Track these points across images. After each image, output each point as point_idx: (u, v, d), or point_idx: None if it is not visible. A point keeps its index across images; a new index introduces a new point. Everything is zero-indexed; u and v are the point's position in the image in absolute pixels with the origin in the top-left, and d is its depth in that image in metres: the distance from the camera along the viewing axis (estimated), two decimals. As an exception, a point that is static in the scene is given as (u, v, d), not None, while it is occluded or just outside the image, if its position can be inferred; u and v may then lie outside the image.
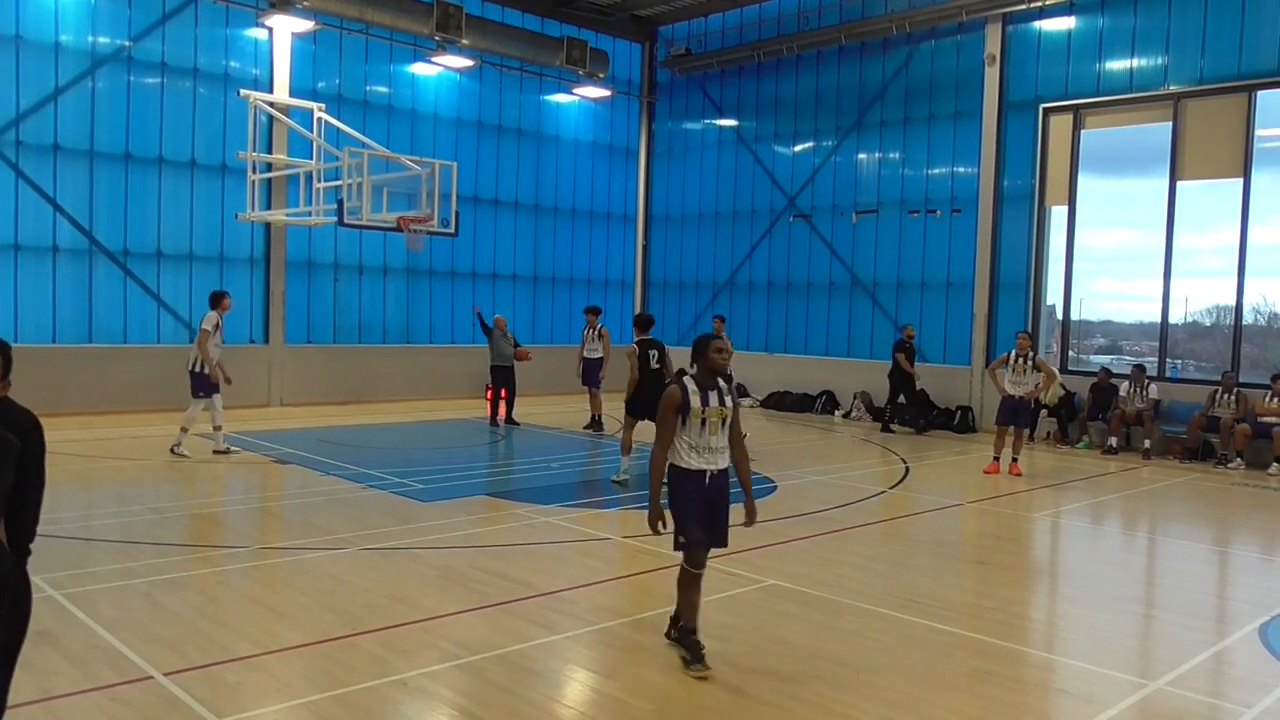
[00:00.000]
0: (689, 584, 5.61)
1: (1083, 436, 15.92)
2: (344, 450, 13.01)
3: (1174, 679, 5.64)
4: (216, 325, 12.01)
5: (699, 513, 5.47)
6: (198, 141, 16.88)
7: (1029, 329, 17.32)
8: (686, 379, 5.52)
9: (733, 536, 5.77)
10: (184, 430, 12.02)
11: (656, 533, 5.47)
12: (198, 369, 11.96)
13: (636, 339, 11.41)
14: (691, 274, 23.06)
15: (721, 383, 5.57)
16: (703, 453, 5.47)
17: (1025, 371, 12.86)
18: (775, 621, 6.44)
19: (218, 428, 12.23)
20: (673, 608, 5.80)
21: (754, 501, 5.74)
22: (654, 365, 11.21)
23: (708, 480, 5.48)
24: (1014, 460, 12.93)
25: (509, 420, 16.09)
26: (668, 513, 5.53)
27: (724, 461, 5.56)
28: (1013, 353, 12.99)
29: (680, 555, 5.62)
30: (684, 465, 5.48)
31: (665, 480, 5.57)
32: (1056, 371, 14.49)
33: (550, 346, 20.91)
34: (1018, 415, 12.98)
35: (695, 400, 5.42)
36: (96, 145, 15.89)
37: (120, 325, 16.27)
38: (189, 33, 16.70)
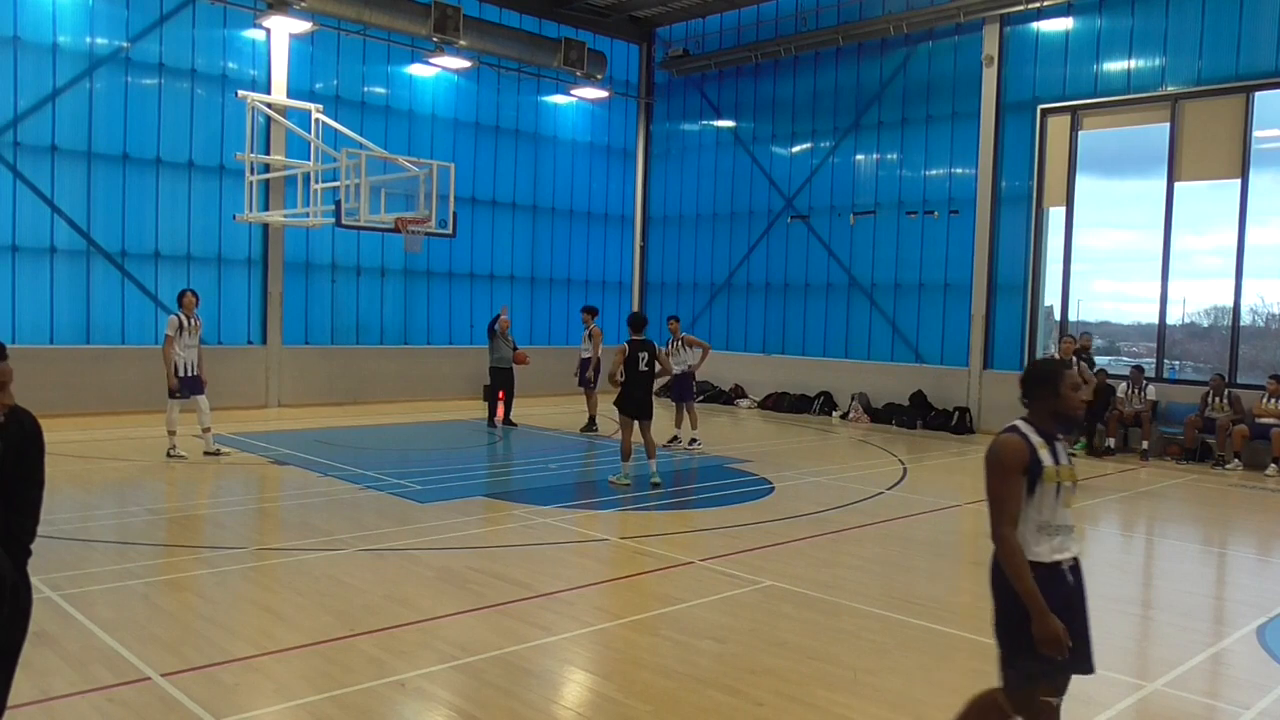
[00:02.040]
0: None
1: (1080, 438, 15.92)
2: (342, 451, 13.01)
3: (1172, 680, 5.64)
4: (179, 328, 11.94)
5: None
6: (196, 143, 16.88)
7: (1027, 330, 17.38)
8: (1024, 427, 3.84)
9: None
10: (171, 434, 12.02)
11: (1061, 651, 3.64)
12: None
13: (630, 339, 11.36)
14: (689, 275, 23.07)
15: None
16: (1055, 534, 3.79)
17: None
18: (772, 622, 6.44)
19: (206, 429, 12.21)
20: None
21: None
22: (643, 367, 11.15)
23: (1069, 575, 3.81)
24: None
25: (506, 421, 16.09)
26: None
27: (1077, 545, 3.90)
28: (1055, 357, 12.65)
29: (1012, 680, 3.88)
30: (1030, 558, 3.75)
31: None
32: (1093, 376, 13.69)
33: (548, 348, 20.92)
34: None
35: (1045, 457, 3.76)
36: (94, 146, 15.88)
37: (118, 326, 16.26)
38: (187, 34, 16.71)
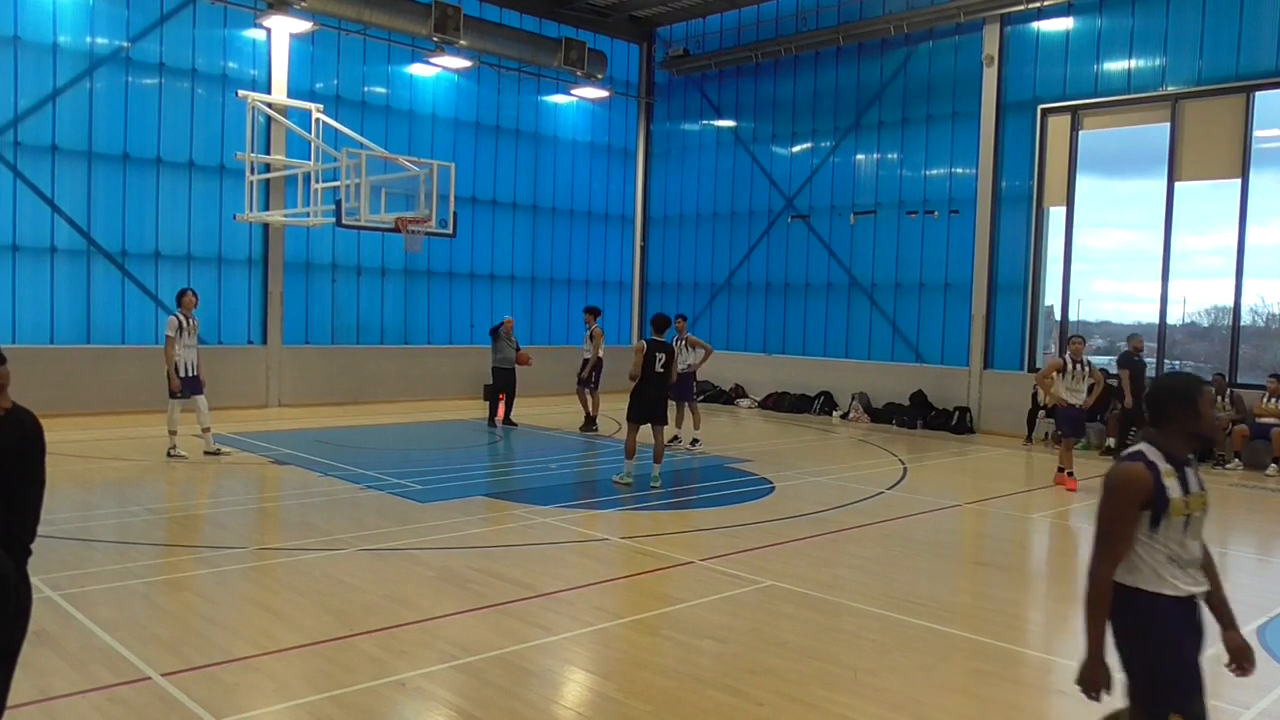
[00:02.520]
0: None
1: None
2: (342, 451, 13.01)
3: (1171, 680, 5.63)
4: (179, 328, 11.96)
5: (1197, 670, 3.51)
6: (196, 142, 16.88)
7: (1028, 330, 17.37)
8: (1150, 451, 3.48)
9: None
10: (172, 433, 12.03)
11: (1095, 697, 3.58)
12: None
13: (651, 338, 11.35)
14: (690, 275, 23.07)
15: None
16: (1186, 567, 3.50)
17: (1082, 378, 12.20)
18: (773, 622, 6.44)
19: (206, 429, 12.22)
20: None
21: (1240, 632, 3.68)
22: (658, 369, 11.16)
23: (1199, 612, 3.55)
24: (1068, 472, 12.19)
25: (507, 421, 16.09)
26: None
27: (1205, 578, 3.60)
28: (1067, 358, 12.33)
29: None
30: (1166, 590, 3.45)
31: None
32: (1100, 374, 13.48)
33: (548, 348, 20.92)
34: (1079, 425, 12.44)
35: (1173, 486, 3.43)
36: (95, 146, 15.88)
37: (118, 326, 16.27)
38: (187, 33, 16.71)
